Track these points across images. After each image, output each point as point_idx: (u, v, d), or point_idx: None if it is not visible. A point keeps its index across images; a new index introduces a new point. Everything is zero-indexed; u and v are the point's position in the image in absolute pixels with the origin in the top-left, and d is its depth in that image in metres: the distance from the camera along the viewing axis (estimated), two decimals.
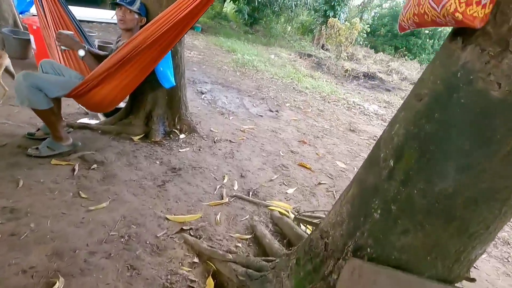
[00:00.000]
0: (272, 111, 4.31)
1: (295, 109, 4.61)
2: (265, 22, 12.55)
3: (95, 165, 1.91)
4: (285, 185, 2.27)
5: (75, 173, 1.78)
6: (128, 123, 2.42)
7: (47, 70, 1.97)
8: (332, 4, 10.99)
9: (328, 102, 5.47)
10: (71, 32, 1.92)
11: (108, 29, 6.96)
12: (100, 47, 4.95)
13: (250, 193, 2.03)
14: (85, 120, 2.45)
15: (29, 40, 3.51)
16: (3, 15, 3.75)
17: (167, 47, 1.82)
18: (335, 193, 2.30)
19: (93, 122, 2.45)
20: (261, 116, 3.98)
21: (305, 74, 7.46)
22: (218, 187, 2.02)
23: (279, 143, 3.14)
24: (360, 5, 14.80)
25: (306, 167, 2.68)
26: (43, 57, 3.19)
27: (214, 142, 2.72)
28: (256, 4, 9.59)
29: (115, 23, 7.89)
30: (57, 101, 1.90)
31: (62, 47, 1.86)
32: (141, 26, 2.09)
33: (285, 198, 2.08)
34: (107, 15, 7.60)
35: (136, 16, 2.00)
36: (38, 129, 2.07)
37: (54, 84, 1.73)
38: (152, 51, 1.75)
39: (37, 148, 1.86)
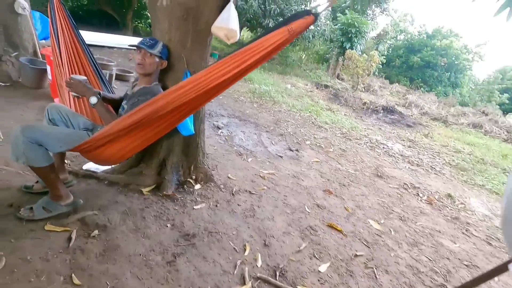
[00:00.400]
0: (292, 150, 4.01)
1: (316, 148, 4.31)
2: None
3: (96, 231, 1.61)
4: (316, 258, 1.92)
5: (71, 243, 1.49)
6: (138, 173, 2.15)
7: (53, 115, 1.75)
8: (349, 36, 10.97)
9: (350, 140, 5.16)
10: (84, 78, 1.71)
11: (128, 55, 6.97)
12: (118, 76, 4.87)
13: (277, 273, 1.68)
14: (90, 166, 2.19)
15: (45, 70, 3.41)
16: (24, 44, 3.67)
17: (193, 110, 1.57)
18: (375, 271, 1.92)
19: (100, 169, 2.19)
20: (281, 156, 3.69)
21: (323, 107, 7.23)
22: (238, 263, 1.68)
23: (303, 193, 2.81)
24: (376, 37, 14.86)
25: (336, 229, 2.32)
26: (57, 89, 3.08)
27: (233, 194, 2.41)
28: None
29: (135, 49, 7.97)
30: (59, 154, 1.65)
31: (73, 94, 1.64)
32: (162, 70, 1.87)
33: (318, 281, 1.72)
34: (127, 41, 7.70)
35: (157, 59, 1.78)
36: (37, 181, 1.81)
37: (57, 138, 1.49)
38: (175, 114, 1.49)
39: (31, 208, 1.58)
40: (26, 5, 3.49)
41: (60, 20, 2.10)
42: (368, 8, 13.91)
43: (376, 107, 8.70)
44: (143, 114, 1.37)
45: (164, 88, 1.86)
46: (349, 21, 11.04)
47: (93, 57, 2.22)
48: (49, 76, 3.28)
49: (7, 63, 3.48)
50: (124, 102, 1.81)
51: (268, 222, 2.18)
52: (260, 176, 2.95)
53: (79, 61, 2.15)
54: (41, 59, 3.64)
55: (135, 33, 9.08)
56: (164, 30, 1.87)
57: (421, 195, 3.55)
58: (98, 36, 7.04)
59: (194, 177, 2.36)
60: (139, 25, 9.84)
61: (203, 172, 2.42)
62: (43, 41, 4.82)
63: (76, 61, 2.13)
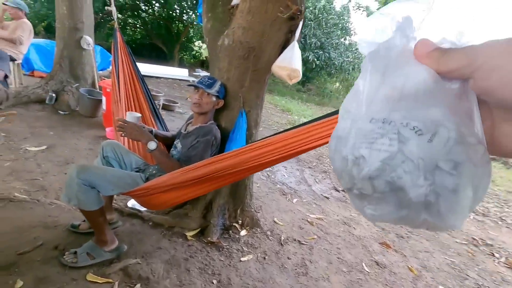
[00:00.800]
0: (338, 191, 3.69)
1: None
2: (318, 81, 12.56)
3: (138, 285, 1.45)
4: None
5: None
6: (183, 214, 2.01)
7: (108, 153, 1.70)
8: None
9: None
10: (139, 115, 1.65)
11: (173, 85, 7.30)
12: (164, 105, 5.03)
13: None
14: (135, 203, 2.10)
15: (101, 100, 3.57)
16: (85, 76, 3.92)
17: (259, 168, 1.40)
18: None
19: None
20: (327, 198, 3.39)
21: None
22: None
23: (357, 246, 2.47)
24: None
25: None
26: (110, 119, 3.16)
27: (281, 244, 2.16)
28: (314, 66, 9.62)
29: (180, 79, 8.41)
30: (109, 196, 1.56)
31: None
32: (217, 110, 1.77)
33: None
34: (174, 72, 8.13)
35: (214, 99, 1.69)
36: (84, 220, 1.74)
37: (110, 181, 1.40)
38: (245, 172, 1.34)
39: (75, 253, 1.48)
40: (91, 41, 3.77)
41: (121, 55, 2.17)
42: None
43: None
44: (210, 169, 1.23)
45: (219, 126, 1.76)
46: None
47: (149, 92, 2.22)
48: (104, 107, 3.42)
49: (68, 94, 3.72)
50: (176, 141, 1.73)
51: (324, 283, 1.88)
52: (308, 221, 2.68)
53: (135, 96, 2.16)
54: (98, 90, 3.85)
55: (180, 64, 9.62)
56: (223, 68, 1.80)
57: (497, 255, 2.99)
58: (148, 67, 7.52)
59: (240, 221, 2.17)
60: (184, 56, 10.44)
61: (249, 216, 2.23)
62: (100, 71, 5.20)
63: (133, 96, 2.14)
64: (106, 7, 2.51)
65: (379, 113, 0.24)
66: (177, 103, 5.26)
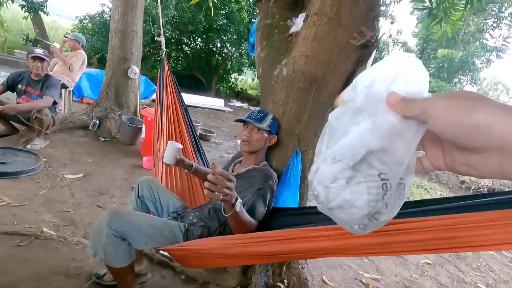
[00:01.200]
0: None
1: None
2: None
3: None
4: None
5: None
6: (220, 269, 1.70)
7: (143, 192, 1.49)
8: None
9: None
10: (180, 146, 1.46)
11: (209, 115, 7.34)
12: (201, 135, 4.95)
13: None
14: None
15: (141, 128, 3.55)
16: (128, 103, 3.99)
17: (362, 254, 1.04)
18: None
19: None
20: None
21: (413, 183, 6.18)
22: None
23: None
24: None
25: None
26: (148, 147, 3.05)
27: None
28: None
29: (216, 109, 8.51)
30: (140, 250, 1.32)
31: (185, 170, 1.45)
32: (270, 147, 1.52)
33: None
34: (211, 102, 8.26)
35: (265, 134, 1.45)
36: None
37: (145, 234, 1.16)
38: (333, 253, 0.97)
39: None
40: (137, 71, 3.87)
41: (167, 84, 2.09)
42: (455, 77, 12.91)
43: (478, 187, 7.16)
44: (289, 248, 0.90)
45: (271, 167, 1.50)
46: (435, 89, 10.18)
47: (192, 123, 2.08)
48: (143, 135, 3.38)
49: (110, 120, 3.75)
50: None
51: None
52: (362, 282, 2.23)
53: (178, 126, 2.02)
54: (139, 118, 3.86)
55: (217, 94, 9.88)
56: (279, 101, 1.58)
57: None
58: (186, 97, 7.71)
59: (286, 281, 1.80)
60: (220, 87, 10.74)
61: (296, 274, 1.86)
62: (143, 100, 5.34)
63: (175, 125, 2.01)
64: (156, 38, 2.52)
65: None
66: (213, 133, 5.16)
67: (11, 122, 2.96)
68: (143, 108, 4.10)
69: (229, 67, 10.15)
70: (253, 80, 12.10)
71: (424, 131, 0.30)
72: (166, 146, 1.44)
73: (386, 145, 0.30)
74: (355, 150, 0.30)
